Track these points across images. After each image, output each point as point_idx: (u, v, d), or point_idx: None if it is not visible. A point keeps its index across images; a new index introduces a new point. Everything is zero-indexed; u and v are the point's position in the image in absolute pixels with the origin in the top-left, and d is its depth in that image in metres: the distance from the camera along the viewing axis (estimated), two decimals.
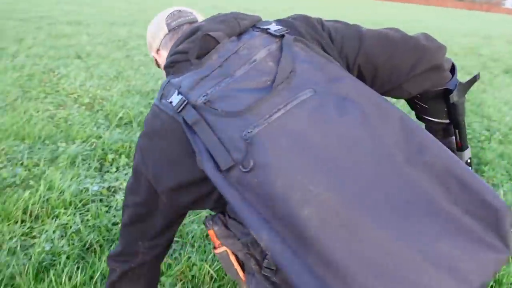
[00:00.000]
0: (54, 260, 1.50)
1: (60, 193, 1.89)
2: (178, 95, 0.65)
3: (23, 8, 8.79)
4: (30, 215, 1.74)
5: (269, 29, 0.71)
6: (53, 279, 1.38)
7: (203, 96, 0.63)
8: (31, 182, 1.98)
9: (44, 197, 1.84)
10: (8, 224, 1.66)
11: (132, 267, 0.83)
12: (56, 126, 2.73)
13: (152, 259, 0.84)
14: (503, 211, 0.55)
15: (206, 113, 0.61)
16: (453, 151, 0.82)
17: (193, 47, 0.69)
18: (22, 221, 1.71)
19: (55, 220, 1.72)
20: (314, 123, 0.59)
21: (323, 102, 0.61)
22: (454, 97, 0.76)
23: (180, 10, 0.87)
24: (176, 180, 0.68)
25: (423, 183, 0.57)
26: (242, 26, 0.72)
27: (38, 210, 1.77)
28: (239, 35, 0.72)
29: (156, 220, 0.76)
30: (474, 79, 0.78)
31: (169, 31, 0.83)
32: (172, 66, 0.72)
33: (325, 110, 0.60)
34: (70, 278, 1.40)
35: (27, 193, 1.83)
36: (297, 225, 0.53)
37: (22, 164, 2.18)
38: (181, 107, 0.63)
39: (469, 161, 0.93)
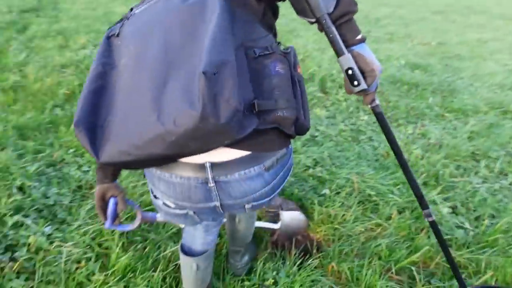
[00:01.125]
0: None
1: None
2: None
3: None
4: None
5: None
6: None
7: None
8: None
9: None
10: None
11: None
12: None
13: None
14: (200, 74, 0.65)
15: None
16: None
17: None
18: None
19: None
20: (162, 8, 0.81)
21: None
22: None
23: None
24: None
25: (193, 53, 0.71)
26: None
27: None
28: None
29: None
30: None
31: None
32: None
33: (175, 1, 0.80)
34: None
35: None
36: (116, 69, 0.80)
37: None
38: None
39: (350, 72, 0.87)
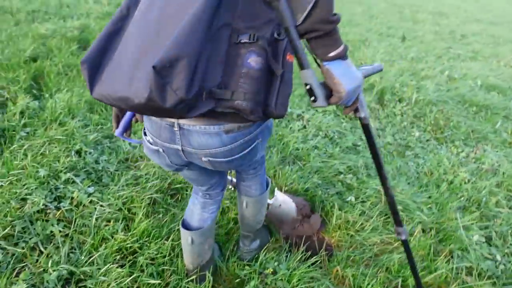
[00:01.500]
0: None
1: None
2: None
3: None
4: None
5: None
6: None
7: None
8: None
9: None
10: None
11: None
12: None
13: None
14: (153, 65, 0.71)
15: None
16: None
17: None
18: None
19: None
20: None
21: None
22: None
23: None
24: None
25: (172, 32, 0.75)
26: None
27: None
28: None
29: None
30: None
31: None
32: None
33: None
34: None
35: None
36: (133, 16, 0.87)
37: None
38: None
39: (307, 87, 0.84)
